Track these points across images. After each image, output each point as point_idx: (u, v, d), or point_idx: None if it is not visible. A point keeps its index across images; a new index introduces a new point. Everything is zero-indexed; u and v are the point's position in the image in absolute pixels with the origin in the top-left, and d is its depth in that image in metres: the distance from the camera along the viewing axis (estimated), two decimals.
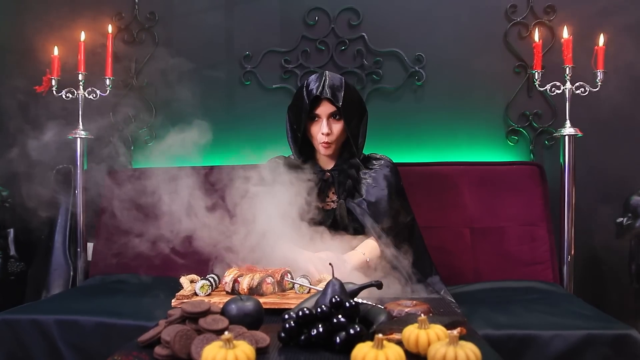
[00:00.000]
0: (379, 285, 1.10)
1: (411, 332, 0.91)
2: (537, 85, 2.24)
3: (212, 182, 1.92)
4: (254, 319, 1.02)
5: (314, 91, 1.74)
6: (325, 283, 1.26)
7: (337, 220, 1.78)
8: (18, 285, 2.50)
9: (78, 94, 2.41)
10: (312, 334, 0.93)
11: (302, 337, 0.95)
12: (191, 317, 0.95)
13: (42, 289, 2.51)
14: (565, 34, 2.18)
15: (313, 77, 1.81)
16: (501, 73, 2.48)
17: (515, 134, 2.49)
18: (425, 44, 2.52)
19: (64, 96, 2.42)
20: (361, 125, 1.83)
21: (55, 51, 2.42)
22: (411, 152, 2.48)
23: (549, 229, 2.22)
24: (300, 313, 0.94)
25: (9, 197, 2.48)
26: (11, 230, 2.50)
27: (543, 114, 2.46)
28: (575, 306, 1.81)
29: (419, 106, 2.53)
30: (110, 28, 2.45)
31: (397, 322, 0.99)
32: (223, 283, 1.32)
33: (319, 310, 0.94)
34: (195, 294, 1.30)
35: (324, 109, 1.77)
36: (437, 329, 0.91)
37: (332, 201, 1.83)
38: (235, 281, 1.29)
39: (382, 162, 1.88)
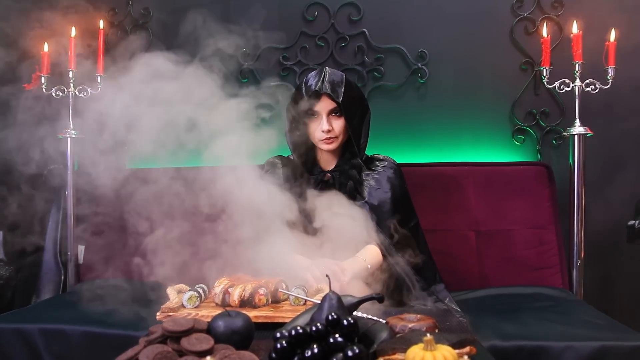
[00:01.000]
0: (380, 298, 1.02)
1: (416, 354, 0.82)
2: (545, 83, 2.17)
3: (207, 183, 1.85)
4: (242, 337, 0.93)
5: (313, 86, 1.70)
6: (323, 294, 1.17)
7: None
8: (7, 290, 2.42)
9: (68, 92, 2.33)
10: (307, 355, 0.84)
11: (296, 359, 0.86)
12: (173, 337, 0.86)
13: (32, 294, 2.44)
14: (575, 28, 2.10)
15: (313, 73, 1.77)
16: (507, 70, 2.42)
17: (522, 133, 2.43)
18: (429, 40, 2.45)
19: (53, 94, 2.33)
20: (363, 125, 1.77)
21: (45, 47, 2.34)
22: (413, 152, 2.42)
23: (558, 232, 2.16)
24: (294, 332, 0.85)
25: None
26: (0, 233, 2.42)
27: (550, 113, 2.41)
28: (587, 315, 1.74)
29: (422, 104, 2.47)
30: (102, 24, 2.37)
31: (400, 341, 0.90)
32: (212, 294, 1.23)
33: (313, 328, 0.85)
34: (183, 306, 1.21)
35: (324, 105, 1.71)
36: (445, 351, 0.82)
37: None
38: (225, 292, 1.21)
39: (386, 163, 1.82)
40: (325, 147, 1.73)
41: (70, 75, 2.32)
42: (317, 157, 1.82)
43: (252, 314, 1.14)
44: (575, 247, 2.10)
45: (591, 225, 2.16)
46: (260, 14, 2.51)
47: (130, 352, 0.88)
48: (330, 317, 0.86)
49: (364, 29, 2.47)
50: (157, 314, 1.19)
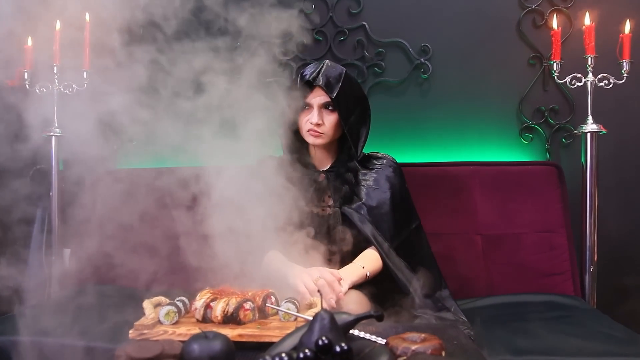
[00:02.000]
0: (379, 317, 0.90)
1: None
2: (555, 78, 2.05)
3: (197, 184, 1.77)
4: None
5: (307, 77, 1.63)
6: (315, 310, 1.06)
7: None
8: None
9: (53, 88, 2.22)
10: None
11: None
12: None
13: (15, 299, 2.34)
14: (587, 20, 1.99)
15: (312, 64, 1.70)
16: (514, 65, 2.34)
17: (530, 132, 2.34)
18: (432, 33, 2.37)
19: (37, 90, 2.22)
20: (363, 125, 1.68)
21: (29, 42, 2.23)
22: (416, 152, 2.34)
23: (569, 236, 2.06)
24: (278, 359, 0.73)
25: None
26: None
27: (560, 110, 2.31)
28: (604, 326, 1.63)
29: (425, 101, 2.39)
30: (87, 16, 2.25)
31: None
32: (193, 309, 1.11)
33: (301, 355, 0.73)
34: (160, 322, 1.09)
35: (316, 98, 1.63)
36: None
37: (329, 206, 1.66)
38: (207, 306, 1.09)
39: (384, 161, 1.72)
40: (311, 140, 1.64)
41: (55, 70, 2.21)
42: (311, 155, 1.73)
43: (236, 332, 1.03)
44: (587, 252, 2.00)
45: (604, 228, 2.07)
46: (255, 7, 2.42)
47: None
48: (320, 342, 0.75)
49: (364, 22, 2.38)
50: (130, 331, 1.08)
